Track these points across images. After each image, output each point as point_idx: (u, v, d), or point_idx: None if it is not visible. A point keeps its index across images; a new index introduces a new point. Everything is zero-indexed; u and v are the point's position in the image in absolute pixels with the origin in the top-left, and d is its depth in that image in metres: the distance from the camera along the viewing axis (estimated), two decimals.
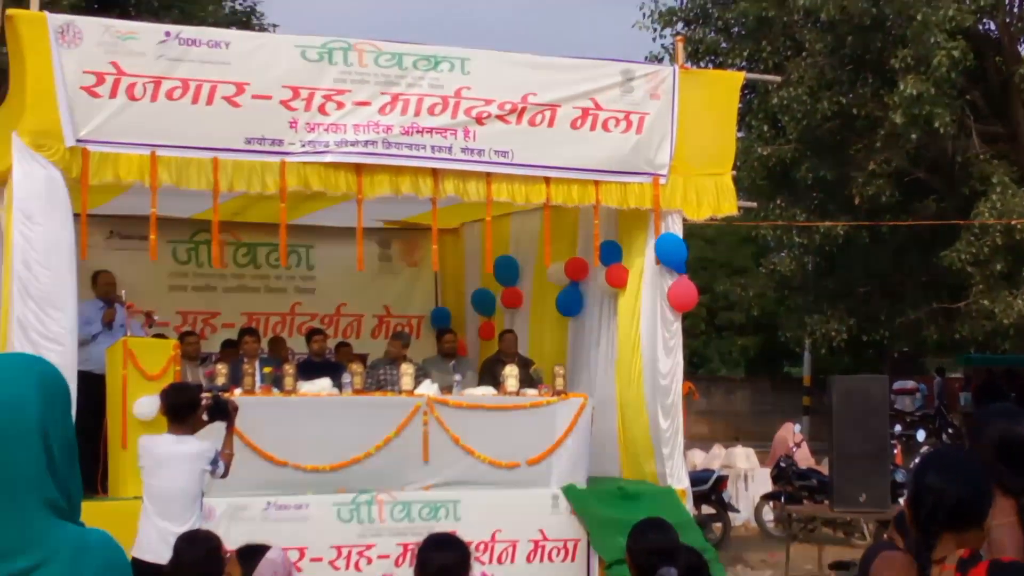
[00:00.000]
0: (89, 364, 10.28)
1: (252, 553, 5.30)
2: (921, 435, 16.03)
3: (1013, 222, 19.92)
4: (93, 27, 9.66)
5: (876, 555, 3.64)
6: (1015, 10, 23.25)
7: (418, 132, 10.55)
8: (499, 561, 10.66)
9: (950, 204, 23.15)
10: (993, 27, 23.29)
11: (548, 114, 10.99)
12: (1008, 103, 22.68)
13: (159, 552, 6.83)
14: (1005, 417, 4.06)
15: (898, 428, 17.92)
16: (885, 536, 7.43)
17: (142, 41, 9.74)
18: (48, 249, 9.36)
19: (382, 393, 11.24)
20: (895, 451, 15.27)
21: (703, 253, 33.75)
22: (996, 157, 21.75)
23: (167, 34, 9.88)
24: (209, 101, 9.90)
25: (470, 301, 14.45)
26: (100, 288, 11.16)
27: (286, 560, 5.29)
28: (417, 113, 10.55)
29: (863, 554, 4.03)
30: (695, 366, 34.91)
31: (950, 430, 26.31)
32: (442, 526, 10.10)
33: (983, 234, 20.44)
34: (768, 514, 15.70)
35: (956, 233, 21.45)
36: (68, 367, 9.01)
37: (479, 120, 10.75)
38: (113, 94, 9.61)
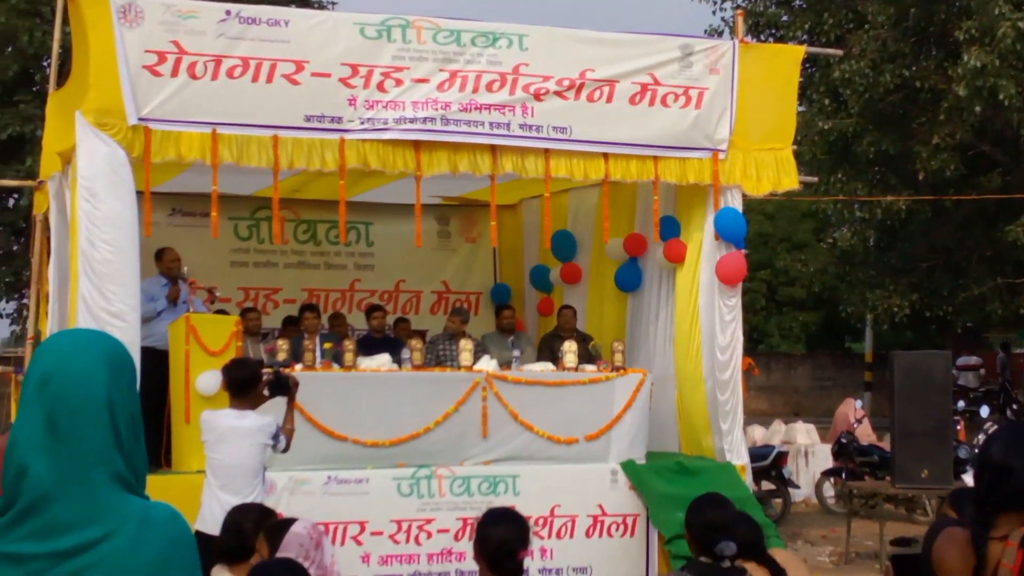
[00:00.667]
0: (153, 340, 10.39)
1: (280, 530, 5.27)
2: (985, 411, 15.96)
3: None
4: (154, 6, 9.73)
5: (940, 531, 3.62)
6: None
7: (476, 109, 10.55)
8: (558, 536, 10.69)
9: (1015, 178, 22.85)
10: None
11: (606, 90, 10.95)
12: None
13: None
14: None
15: (961, 404, 17.80)
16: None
17: (202, 20, 9.81)
18: (112, 226, 9.46)
19: (441, 369, 11.28)
20: (958, 427, 15.14)
21: (763, 228, 33.54)
22: None
23: (227, 13, 9.94)
24: (269, 79, 9.96)
25: (529, 277, 14.46)
26: (164, 265, 11.26)
27: (313, 532, 5.16)
28: (475, 90, 10.56)
29: (927, 530, 4.02)
30: (755, 342, 34.74)
31: (1014, 406, 26.02)
32: (501, 501, 10.12)
33: None
34: (829, 490, 15.64)
35: (1021, 207, 21.18)
36: (131, 343, 9.11)
37: (537, 96, 10.73)
38: (175, 73, 9.69)
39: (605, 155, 11.05)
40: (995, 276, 23.46)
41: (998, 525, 3.41)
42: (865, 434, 16.14)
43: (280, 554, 5.00)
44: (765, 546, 5.49)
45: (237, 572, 5.32)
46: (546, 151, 10.88)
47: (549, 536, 10.64)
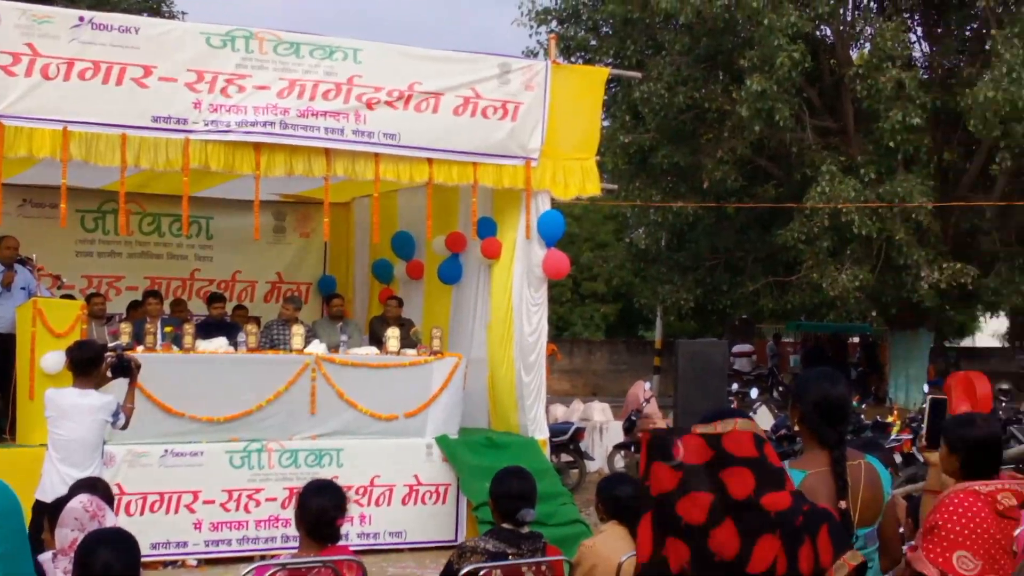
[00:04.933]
0: None
1: (60, 510, 4.70)
2: (754, 393, 16.45)
3: (839, 206, 20.45)
4: (10, 11, 9.37)
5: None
6: (848, 19, 23.81)
7: (313, 115, 10.44)
8: (377, 504, 10.69)
9: (787, 189, 23.72)
10: (829, 33, 23.82)
11: (432, 101, 10.95)
12: (840, 101, 23.26)
13: (60, 495, 6.73)
14: (825, 379, 4.16)
15: (735, 386, 18.35)
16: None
17: (57, 25, 9.49)
18: None
19: (274, 351, 11.18)
20: (731, 406, 15.59)
21: (570, 229, 33.68)
22: (827, 149, 22.31)
23: (81, 19, 9.64)
24: (119, 82, 9.68)
25: (371, 269, 14.38)
26: (2, 252, 10.80)
27: (90, 505, 4.56)
28: (312, 98, 10.44)
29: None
30: (560, 330, 35.22)
31: (780, 388, 26.97)
32: (326, 472, 10.10)
33: (813, 216, 20.97)
34: (619, 462, 15.92)
35: (791, 215, 21.96)
36: None
37: (369, 105, 10.67)
38: (28, 73, 9.35)
39: (430, 160, 11.05)
40: (767, 275, 24.31)
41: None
42: (653, 412, 16.50)
43: (58, 530, 4.47)
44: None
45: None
46: (376, 155, 10.82)
47: (368, 504, 10.64)
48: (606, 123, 23.20)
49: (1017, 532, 4.13)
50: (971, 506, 4.10)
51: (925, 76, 22.77)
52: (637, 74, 18.83)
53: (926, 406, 4.65)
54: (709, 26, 21.70)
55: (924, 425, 4.65)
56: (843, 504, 3.96)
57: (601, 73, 12.79)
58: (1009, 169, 21.40)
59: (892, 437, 14.33)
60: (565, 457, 14.74)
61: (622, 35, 23.73)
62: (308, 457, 10.47)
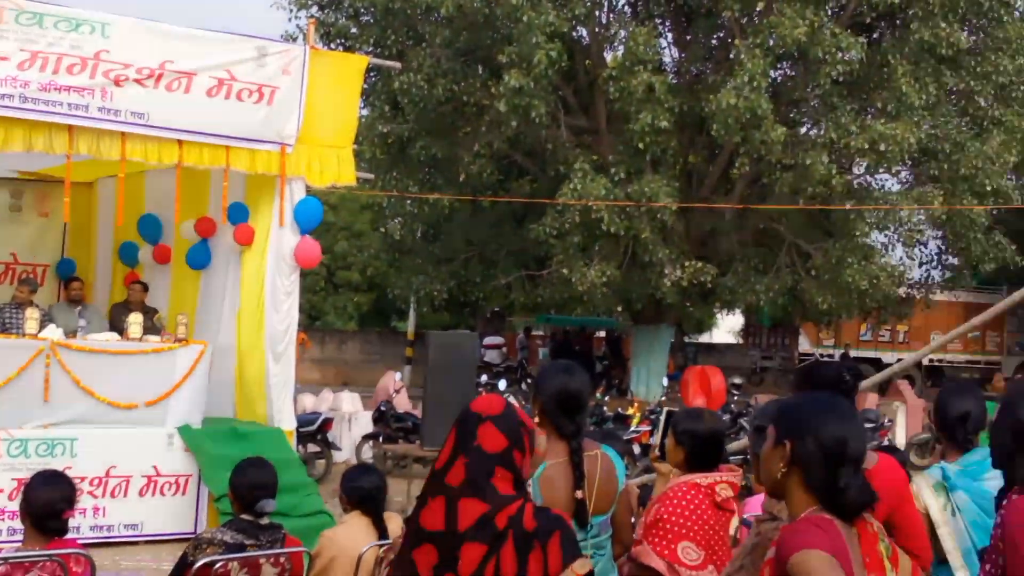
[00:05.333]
0: None
1: None
2: (502, 384, 16.76)
3: (590, 203, 21.08)
4: None
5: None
6: (604, 21, 24.53)
7: (55, 89, 10.00)
8: (112, 495, 10.36)
9: (541, 185, 24.27)
10: (585, 34, 24.48)
11: (185, 81, 10.66)
12: (593, 101, 23.93)
13: None
14: (563, 371, 4.31)
15: (484, 378, 18.64)
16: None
17: None
18: None
19: (5, 336, 10.67)
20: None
21: (326, 217, 33.50)
22: (580, 147, 22.93)
23: None
24: None
25: (116, 252, 13.88)
26: None
27: None
28: (55, 71, 9.99)
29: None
30: (313, 319, 34.94)
31: (529, 380, 27.58)
32: (58, 463, 9.70)
33: (565, 212, 21.52)
34: (367, 452, 15.98)
35: (544, 210, 22.48)
36: None
37: (117, 82, 10.30)
38: None
39: (180, 142, 10.76)
40: (520, 269, 24.81)
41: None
42: (403, 403, 16.63)
43: None
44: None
45: None
46: (123, 134, 10.45)
47: (103, 496, 10.30)
48: (365, 112, 23.16)
49: (735, 523, 4.39)
50: (693, 498, 4.33)
51: (674, 81, 23.68)
52: (397, 64, 18.82)
53: (662, 418, 4.83)
54: (469, 20, 21.96)
55: (658, 436, 4.83)
56: (579, 494, 4.11)
57: (360, 61, 12.75)
58: (747, 174, 22.55)
59: (632, 428, 14.92)
60: (312, 447, 14.67)
61: (383, 24, 23.72)
62: (39, 447, 10.04)
